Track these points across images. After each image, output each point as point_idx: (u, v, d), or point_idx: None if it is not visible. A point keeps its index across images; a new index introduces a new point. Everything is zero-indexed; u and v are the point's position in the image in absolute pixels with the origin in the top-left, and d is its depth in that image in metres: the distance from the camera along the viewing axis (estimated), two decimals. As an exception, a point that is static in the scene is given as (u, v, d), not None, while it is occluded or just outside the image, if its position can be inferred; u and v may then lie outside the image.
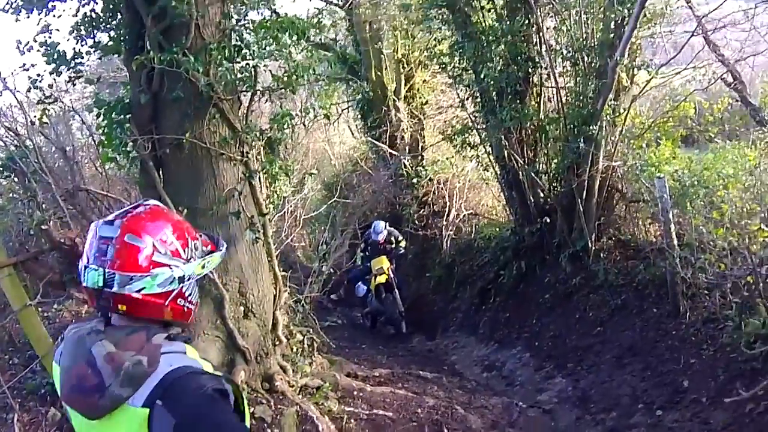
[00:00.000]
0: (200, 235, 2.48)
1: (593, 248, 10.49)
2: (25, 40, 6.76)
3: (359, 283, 14.61)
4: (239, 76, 6.91)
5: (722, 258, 7.37)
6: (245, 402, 2.40)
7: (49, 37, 6.79)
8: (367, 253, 14.36)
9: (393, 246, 14.51)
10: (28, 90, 6.94)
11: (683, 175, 8.91)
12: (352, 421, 7.54)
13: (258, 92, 7.38)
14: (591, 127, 9.78)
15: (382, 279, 13.89)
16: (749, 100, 10.15)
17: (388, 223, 14.66)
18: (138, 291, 2.20)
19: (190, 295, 2.41)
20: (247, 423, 2.43)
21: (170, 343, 2.28)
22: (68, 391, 2.21)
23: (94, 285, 2.20)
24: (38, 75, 6.85)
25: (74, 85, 7.35)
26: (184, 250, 2.32)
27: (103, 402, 2.08)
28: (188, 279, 2.35)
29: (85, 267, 2.22)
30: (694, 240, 7.93)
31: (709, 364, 7.44)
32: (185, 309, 2.40)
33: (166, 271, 2.25)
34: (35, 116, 7.08)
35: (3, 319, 7.28)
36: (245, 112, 7.30)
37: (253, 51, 6.98)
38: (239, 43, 6.98)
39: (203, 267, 2.41)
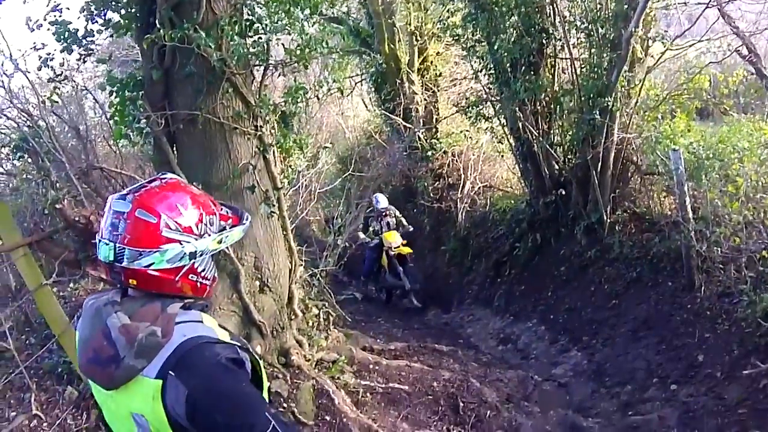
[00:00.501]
0: (222, 209, 2.47)
1: (608, 221, 10.47)
2: (35, 19, 6.76)
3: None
4: (252, 50, 6.88)
5: (737, 232, 7.35)
6: (263, 370, 2.43)
7: (60, 16, 6.78)
8: (371, 229, 14.35)
9: (396, 224, 14.53)
10: (39, 68, 6.93)
11: (698, 148, 8.85)
12: (368, 394, 7.60)
13: (271, 66, 7.37)
14: (605, 99, 9.71)
15: (402, 250, 13.97)
16: (764, 73, 10.04)
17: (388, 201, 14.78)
18: (147, 266, 2.22)
19: (203, 270, 2.39)
20: (265, 391, 2.46)
21: (186, 313, 2.31)
22: (86, 362, 2.25)
23: (105, 259, 2.23)
24: (48, 54, 6.84)
25: (84, 62, 7.33)
26: (197, 226, 2.31)
27: (119, 373, 2.12)
28: (200, 255, 2.33)
29: (99, 240, 2.25)
30: (709, 213, 7.90)
31: (723, 338, 7.44)
32: (198, 284, 2.39)
33: (176, 247, 2.25)
34: (46, 96, 7.08)
35: (19, 299, 7.33)
36: (258, 86, 7.26)
37: (266, 25, 6.94)
38: (251, 17, 6.92)
39: (220, 242, 2.39)
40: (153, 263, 2.22)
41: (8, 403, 6.18)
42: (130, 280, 2.24)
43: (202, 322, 2.33)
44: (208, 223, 2.36)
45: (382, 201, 14.49)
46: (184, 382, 2.08)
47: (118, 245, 2.19)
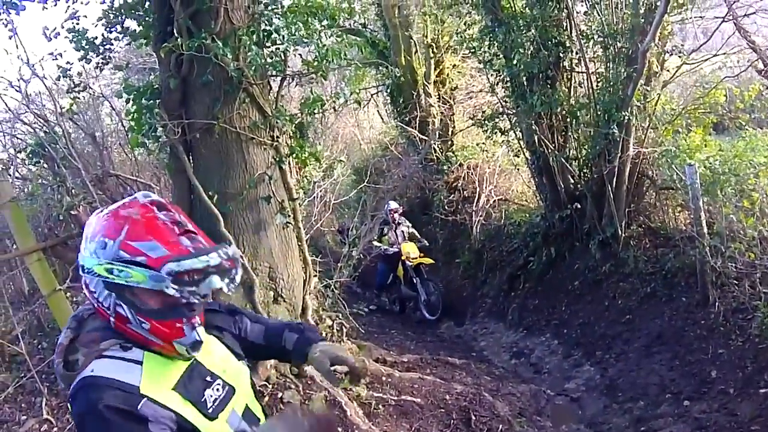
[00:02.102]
0: (145, 242, 2.17)
1: (623, 235, 10.43)
2: (52, 27, 6.83)
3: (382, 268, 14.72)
4: (269, 60, 6.91)
5: (752, 247, 7.32)
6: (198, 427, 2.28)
7: (78, 24, 6.83)
8: (384, 235, 14.36)
9: (410, 236, 14.54)
10: (58, 78, 6.98)
11: (714, 162, 8.82)
12: (381, 406, 7.56)
13: (288, 77, 7.39)
14: (622, 113, 9.70)
15: (424, 261, 14.00)
16: (780, 88, 10.05)
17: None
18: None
19: (97, 293, 2.22)
20: None
21: (123, 350, 2.22)
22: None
23: None
24: (68, 63, 6.90)
25: (101, 70, 7.39)
26: (89, 241, 2.22)
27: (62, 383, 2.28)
28: (86, 271, 2.21)
29: None
30: (723, 229, 7.86)
31: (737, 354, 7.40)
32: (96, 305, 2.25)
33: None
34: (63, 108, 7.13)
35: (32, 303, 7.37)
36: (275, 96, 7.29)
37: (283, 36, 6.94)
38: (269, 27, 6.92)
39: (108, 271, 2.16)
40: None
41: (19, 407, 6.22)
42: None
43: (141, 363, 2.21)
44: (99, 245, 2.18)
45: (392, 204, 14.51)
46: (72, 414, 2.22)
47: None
